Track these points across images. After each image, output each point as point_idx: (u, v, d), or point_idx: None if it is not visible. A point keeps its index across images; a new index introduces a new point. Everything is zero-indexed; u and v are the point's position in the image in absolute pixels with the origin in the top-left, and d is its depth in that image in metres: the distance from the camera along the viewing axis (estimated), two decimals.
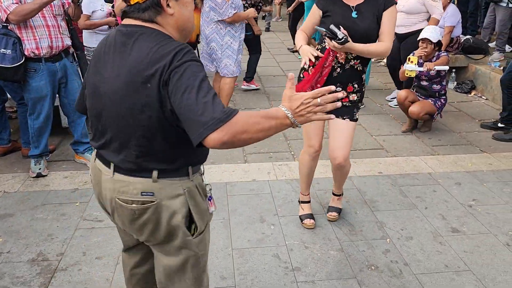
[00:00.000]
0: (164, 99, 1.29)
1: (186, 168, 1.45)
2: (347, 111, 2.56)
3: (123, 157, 1.40)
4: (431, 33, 4.23)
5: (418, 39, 4.33)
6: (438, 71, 4.22)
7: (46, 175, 3.49)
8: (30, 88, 3.29)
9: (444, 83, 4.43)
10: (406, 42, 4.97)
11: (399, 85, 5.21)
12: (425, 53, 4.28)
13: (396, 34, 5.14)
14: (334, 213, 2.95)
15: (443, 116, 4.63)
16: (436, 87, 4.36)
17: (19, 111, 3.79)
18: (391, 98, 5.42)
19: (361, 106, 2.75)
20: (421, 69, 4.19)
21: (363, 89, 2.62)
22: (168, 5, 1.34)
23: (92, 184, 1.57)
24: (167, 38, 1.34)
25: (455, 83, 6.07)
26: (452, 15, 5.85)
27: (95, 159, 1.53)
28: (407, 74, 4.22)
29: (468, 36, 6.49)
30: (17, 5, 3.04)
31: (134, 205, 1.41)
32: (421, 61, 4.36)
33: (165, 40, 1.33)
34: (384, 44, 2.43)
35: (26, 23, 3.13)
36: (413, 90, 4.48)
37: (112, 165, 1.44)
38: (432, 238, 2.75)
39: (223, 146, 1.23)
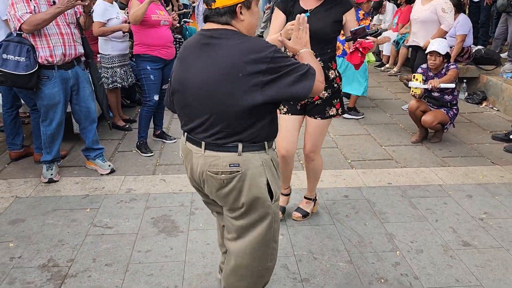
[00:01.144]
0: (262, 84, 1.61)
1: (263, 143, 1.75)
2: (319, 109, 2.72)
3: (213, 137, 1.70)
4: (438, 45, 4.23)
5: (426, 52, 4.33)
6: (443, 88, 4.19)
7: (57, 181, 3.53)
8: (43, 95, 3.33)
9: (455, 93, 4.41)
10: (420, 54, 4.99)
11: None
12: (434, 66, 4.28)
13: (413, 45, 5.20)
14: (298, 214, 3.04)
15: (454, 126, 4.61)
16: (448, 97, 4.34)
17: (32, 117, 3.84)
18: (407, 108, 5.31)
19: (341, 113, 2.83)
20: (425, 86, 4.18)
21: (335, 85, 2.71)
22: (241, 12, 1.67)
23: (184, 163, 1.89)
24: (246, 36, 1.68)
25: (466, 93, 6.04)
26: (463, 24, 5.85)
27: (185, 142, 1.83)
28: (412, 91, 4.25)
29: (479, 47, 6.47)
30: (30, 14, 3.08)
31: (223, 175, 1.71)
32: (430, 74, 4.36)
33: (247, 37, 1.66)
34: None
35: (40, 31, 3.17)
36: (425, 100, 4.46)
37: (203, 144, 1.73)
38: (443, 251, 2.72)
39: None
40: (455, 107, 4.43)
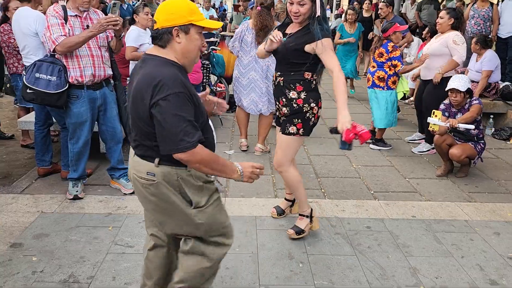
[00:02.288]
0: (152, 115, 1.75)
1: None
2: (282, 124, 2.97)
3: (136, 148, 1.91)
4: (458, 82, 4.20)
5: (446, 89, 4.31)
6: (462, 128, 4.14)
7: (82, 198, 3.59)
8: (71, 113, 3.44)
9: (481, 127, 4.35)
10: (428, 87, 5.00)
11: (425, 130, 5.15)
12: (456, 102, 4.25)
13: (421, 79, 5.23)
14: (291, 230, 3.10)
15: (483, 160, 4.52)
16: (474, 131, 4.28)
17: (61, 135, 3.95)
18: (419, 152, 5.14)
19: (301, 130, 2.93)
20: (444, 124, 4.14)
21: (294, 105, 2.86)
22: (178, 35, 1.80)
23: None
24: (163, 65, 1.79)
25: (493, 129, 5.94)
26: (490, 60, 5.81)
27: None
28: (431, 127, 4.22)
29: (507, 83, 6.39)
30: (64, 37, 3.22)
31: (142, 180, 1.88)
32: (453, 110, 4.33)
33: (159, 67, 1.78)
34: (339, 79, 2.62)
35: (72, 52, 3.30)
36: (450, 133, 4.41)
37: (133, 152, 1.95)
38: None
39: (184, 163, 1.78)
40: (482, 141, 4.36)
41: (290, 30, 2.87)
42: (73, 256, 2.81)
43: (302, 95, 2.85)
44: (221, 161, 1.86)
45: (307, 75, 2.84)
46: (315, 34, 2.69)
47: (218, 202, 2.04)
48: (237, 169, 1.89)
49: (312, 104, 2.88)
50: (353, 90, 8.13)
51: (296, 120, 2.89)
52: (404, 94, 7.89)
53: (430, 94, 4.97)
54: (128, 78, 4.68)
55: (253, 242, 3.05)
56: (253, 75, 4.61)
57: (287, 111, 2.89)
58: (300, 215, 3.14)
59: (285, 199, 3.43)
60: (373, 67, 5.15)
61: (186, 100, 1.74)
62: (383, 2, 5.96)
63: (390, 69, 4.99)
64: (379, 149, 5.14)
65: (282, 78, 2.88)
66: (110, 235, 3.08)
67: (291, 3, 2.71)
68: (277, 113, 3.03)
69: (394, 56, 4.94)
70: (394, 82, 5.06)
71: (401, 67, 4.97)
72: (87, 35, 3.25)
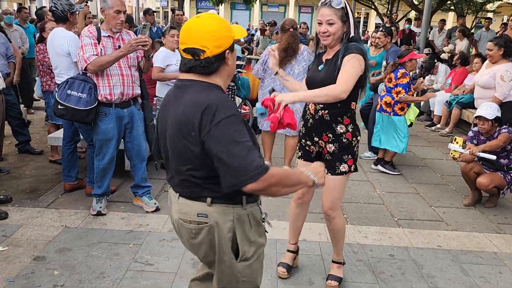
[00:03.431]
0: (205, 147, 1.52)
1: (240, 197, 1.63)
2: (329, 164, 2.57)
3: (183, 187, 1.67)
4: (485, 110, 4.11)
5: (474, 116, 4.23)
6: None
7: (105, 214, 3.64)
8: (99, 130, 3.53)
9: (511, 157, 4.22)
10: None
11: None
12: (484, 130, 4.15)
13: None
14: (333, 282, 2.79)
15: None
16: (504, 161, 4.15)
17: (88, 151, 4.05)
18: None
19: (351, 167, 2.62)
20: (464, 151, 4.03)
21: (344, 140, 2.55)
22: (228, 58, 1.63)
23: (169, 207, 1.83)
24: (208, 89, 1.59)
25: None
26: None
27: (170, 187, 1.79)
28: (451, 154, 4.11)
29: None
30: (96, 56, 3.34)
31: (191, 224, 1.65)
32: (482, 138, 4.23)
33: (204, 92, 1.57)
34: (330, 86, 2.34)
35: (103, 71, 3.41)
36: (479, 162, 4.29)
37: (178, 193, 1.70)
38: None
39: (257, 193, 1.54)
40: None
41: (325, 57, 2.59)
42: (93, 272, 2.83)
43: (350, 128, 2.56)
44: (291, 172, 1.68)
45: (353, 105, 2.57)
46: (340, 53, 2.44)
47: (262, 256, 1.78)
48: (309, 175, 1.67)
49: (358, 137, 2.62)
50: None
51: (346, 156, 2.57)
52: (432, 121, 7.83)
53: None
54: (155, 98, 4.79)
55: (273, 265, 3.01)
56: None
57: (336, 147, 2.57)
58: (336, 262, 2.86)
59: (289, 250, 2.99)
60: (383, 91, 5.14)
61: (241, 122, 1.53)
62: (381, 31, 6.01)
63: (397, 95, 4.95)
64: (386, 172, 5.09)
65: (326, 111, 2.53)
66: (130, 252, 3.09)
67: (320, 23, 2.47)
68: (315, 150, 2.68)
69: (401, 83, 4.90)
70: (401, 109, 5.01)
71: (403, 95, 4.90)
72: (118, 55, 3.35)
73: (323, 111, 2.55)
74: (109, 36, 3.46)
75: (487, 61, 5.14)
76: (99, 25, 3.53)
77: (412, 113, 5.21)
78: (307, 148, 2.72)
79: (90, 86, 3.40)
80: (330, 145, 2.57)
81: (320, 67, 2.57)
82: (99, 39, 3.38)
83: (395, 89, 4.94)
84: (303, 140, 2.72)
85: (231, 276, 1.69)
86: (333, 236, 2.82)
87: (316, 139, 2.62)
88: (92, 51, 3.34)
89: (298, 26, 4.67)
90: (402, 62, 5.00)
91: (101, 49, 3.38)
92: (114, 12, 3.39)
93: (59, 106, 3.41)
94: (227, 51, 1.61)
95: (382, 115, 5.13)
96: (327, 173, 2.57)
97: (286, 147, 4.87)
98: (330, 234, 2.83)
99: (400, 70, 4.95)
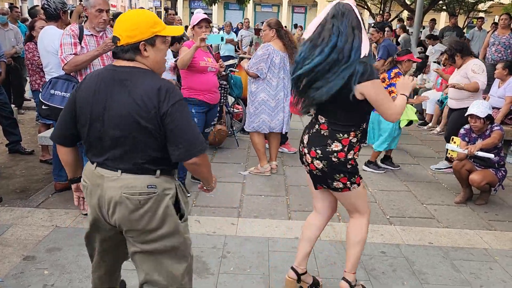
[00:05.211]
0: (162, 124, 1.76)
1: (174, 170, 1.95)
2: (321, 179, 2.46)
3: (131, 164, 1.81)
4: (477, 108, 4.14)
5: (465, 115, 4.26)
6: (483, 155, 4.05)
7: None
8: None
9: (502, 154, 4.25)
10: (454, 115, 5.04)
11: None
12: (476, 128, 4.18)
13: (449, 108, 5.24)
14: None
15: (504, 188, 4.39)
16: (494, 158, 4.18)
17: (79, 150, 4.01)
18: (436, 168, 5.31)
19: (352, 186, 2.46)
20: (462, 151, 4.06)
21: (334, 159, 2.34)
22: (145, 49, 1.81)
23: (88, 190, 1.92)
24: (152, 74, 1.83)
25: None
26: None
27: (95, 168, 1.88)
28: (449, 154, 4.14)
29: None
30: (74, 55, 3.31)
31: (141, 196, 1.81)
32: (474, 135, 4.26)
33: (150, 76, 1.81)
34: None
35: (86, 69, 3.38)
36: (470, 159, 4.32)
37: (119, 170, 1.82)
38: None
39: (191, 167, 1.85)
40: (503, 169, 4.25)
41: None
42: (84, 271, 2.81)
43: (346, 149, 2.37)
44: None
45: (353, 134, 2.43)
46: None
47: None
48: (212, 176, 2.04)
49: (355, 158, 2.45)
50: None
51: (338, 175, 2.41)
52: (425, 120, 7.86)
53: (456, 122, 4.95)
54: None
55: (265, 263, 3.00)
56: (281, 96, 4.64)
57: (324, 165, 2.43)
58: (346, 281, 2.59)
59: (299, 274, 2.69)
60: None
61: (187, 106, 1.85)
62: (373, 27, 6.15)
63: (390, 95, 4.94)
64: (370, 171, 5.10)
65: (326, 126, 2.40)
66: None
67: None
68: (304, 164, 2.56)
69: (393, 82, 4.88)
70: None
71: (396, 94, 4.90)
72: (93, 54, 3.33)
73: (322, 125, 2.39)
74: (92, 34, 3.43)
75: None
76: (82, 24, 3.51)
77: (410, 111, 5.20)
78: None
79: (74, 85, 3.37)
80: (318, 162, 2.39)
81: None
82: (81, 38, 3.36)
83: (388, 89, 4.95)
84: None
85: (178, 235, 1.92)
86: (352, 247, 2.59)
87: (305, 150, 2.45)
88: (70, 51, 3.31)
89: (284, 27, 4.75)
90: (400, 61, 5.00)
91: (83, 47, 3.35)
92: (96, 11, 3.36)
93: (44, 107, 3.38)
94: (142, 43, 1.79)
95: (377, 114, 5.10)
96: (324, 187, 2.51)
97: (274, 143, 4.86)
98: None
99: (393, 70, 4.95)
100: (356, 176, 2.45)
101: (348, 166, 2.39)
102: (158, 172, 1.83)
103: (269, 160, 4.91)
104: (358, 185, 2.46)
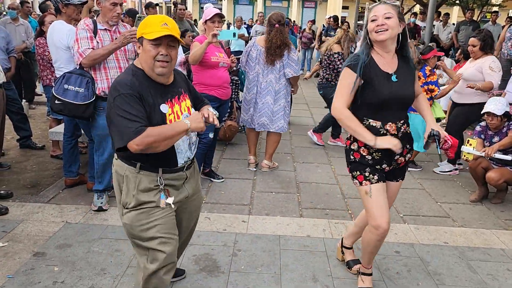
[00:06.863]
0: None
1: (134, 162, 2.04)
2: (403, 171, 2.57)
3: None
4: (494, 106, 4.03)
5: (482, 112, 4.15)
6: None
7: (106, 210, 3.59)
8: (97, 125, 3.47)
9: None
10: (457, 110, 4.87)
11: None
12: (493, 126, 4.08)
13: (452, 101, 5.08)
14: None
15: None
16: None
17: (89, 146, 3.99)
18: (441, 172, 5.05)
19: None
20: (479, 154, 3.96)
21: (346, 145, 2.53)
22: (139, 47, 2.06)
23: None
24: (125, 72, 2.07)
25: None
26: None
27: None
28: (464, 156, 4.04)
29: None
30: (91, 49, 3.27)
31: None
32: (490, 132, 4.16)
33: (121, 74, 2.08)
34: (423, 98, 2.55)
35: (100, 64, 3.34)
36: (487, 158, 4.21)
37: None
38: None
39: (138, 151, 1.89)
40: None
41: (386, 67, 2.34)
42: (94, 268, 2.79)
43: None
44: (166, 126, 1.95)
45: None
46: (411, 63, 2.41)
47: (151, 213, 2.05)
48: (184, 122, 1.98)
49: None
50: None
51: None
52: (440, 119, 7.72)
53: (457, 117, 4.84)
54: None
55: (276, 262, 2.96)
56: (254, 91, 4.61)
57: (408, 157, 2.51)
58: (365, 274, 2.70)
59: (346, 247, 2.95)
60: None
61: (128, 99, 1.89)
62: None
63: (426, 94, 4.81)
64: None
65: (406, 125, 2.42)
66: (131, 248, 3.03)
67: (374, 19, 2.26)
68: (388, 168, 2.46)
69: (431, 80, 4.77)
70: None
71: (438, 91, 4.80)
72: (112, 47, 3.29)
73: (404, 126, 2.40)
74: (105, 29, 3.39)
75: (471, 58, 5.04)
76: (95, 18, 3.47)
77: (438, 109, 5.07)
78: (380, 171, 2.43)
79: (87, 81, 3.34)
80: (408, 155, 2.49)
81: (393, 78, 2.32)
82: (95, 32, 3.32)
83: (425, 87, 4.79)
84: (378, 166, 2.40)
85: (120, 212, 2.15)
86: (377, 246, 2.58)
87: (397, 156, 2.42)
88: (88, 45, 3.27)
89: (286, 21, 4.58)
90: (426, 59, 4.89)
91: (97, 43, 3.31)
92: (111, 5, 3.33)
93: (57, 101, 3.35)
94: (136, 41, 2.08)
95: (410, 114, 4.97)
96: (397, 181, 2.55)
97: (268, 142, 4.79)
98: (377, 245, 2.56)
99: (426, 67, 4.82)
100: (358, 173, 2.42)
101: (351, 158, 2.44)
102: (115, 155, 2.13)
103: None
104: (360, 184, 2.42)
